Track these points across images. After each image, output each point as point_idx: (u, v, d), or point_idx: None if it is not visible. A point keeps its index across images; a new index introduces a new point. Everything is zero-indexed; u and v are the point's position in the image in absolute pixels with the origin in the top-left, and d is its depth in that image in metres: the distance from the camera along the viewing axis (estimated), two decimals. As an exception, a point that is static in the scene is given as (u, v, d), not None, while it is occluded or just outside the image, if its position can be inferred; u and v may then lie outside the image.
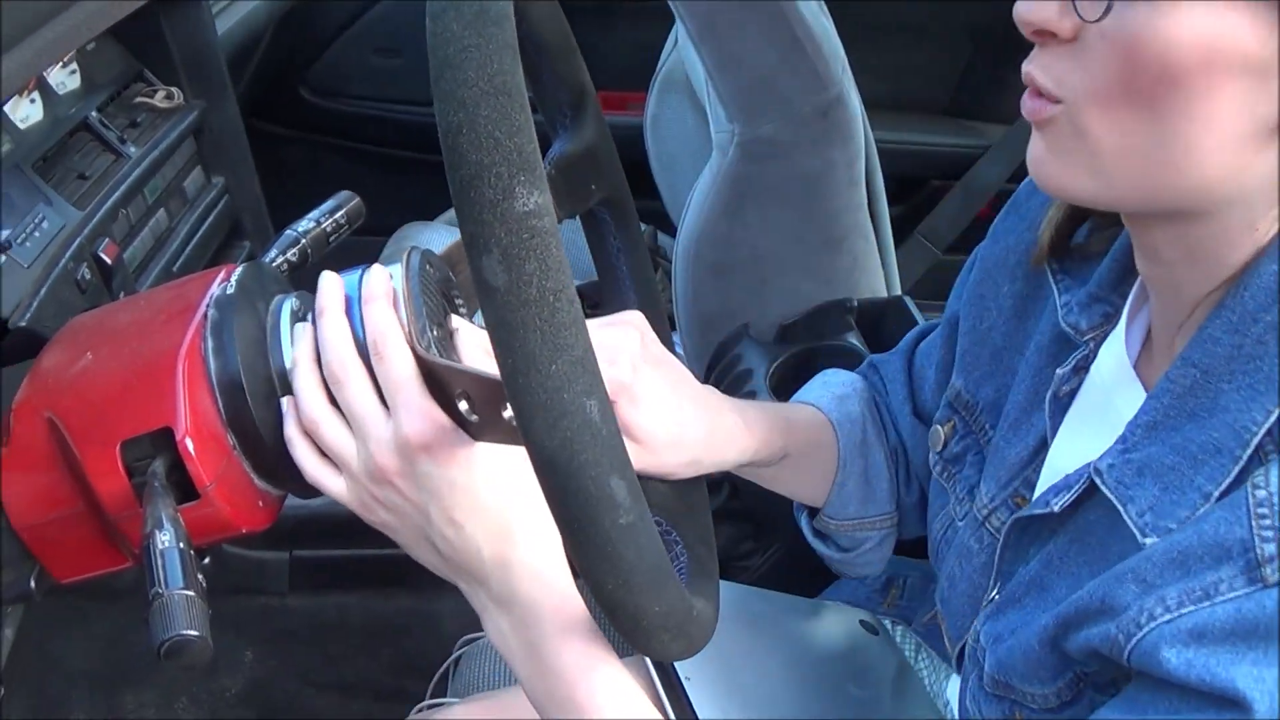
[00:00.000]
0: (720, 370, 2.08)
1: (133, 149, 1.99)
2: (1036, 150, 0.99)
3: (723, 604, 1.08)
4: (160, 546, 0.92)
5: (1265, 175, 0.91)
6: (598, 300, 1.32)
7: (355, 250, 1.46)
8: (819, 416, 1.45)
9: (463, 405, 0.95)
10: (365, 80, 3.42)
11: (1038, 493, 1.14)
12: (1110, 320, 1.14)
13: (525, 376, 0.75)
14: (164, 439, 0.99)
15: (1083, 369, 1.15)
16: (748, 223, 2.03)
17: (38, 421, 1.02)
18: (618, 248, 1.27)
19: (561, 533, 0.80)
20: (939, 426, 1.36)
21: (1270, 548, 0.84)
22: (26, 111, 1.76)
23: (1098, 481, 1.02)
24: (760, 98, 1.92)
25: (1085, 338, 1.15)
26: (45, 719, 2.10)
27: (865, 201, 2.08)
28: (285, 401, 1.03)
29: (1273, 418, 0.91)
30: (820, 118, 1.94)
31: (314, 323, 1.03)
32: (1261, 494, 0.87)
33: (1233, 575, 0.86)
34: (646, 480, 1.09)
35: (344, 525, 2.09)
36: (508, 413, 0.88)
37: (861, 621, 1.59)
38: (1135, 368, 1.10)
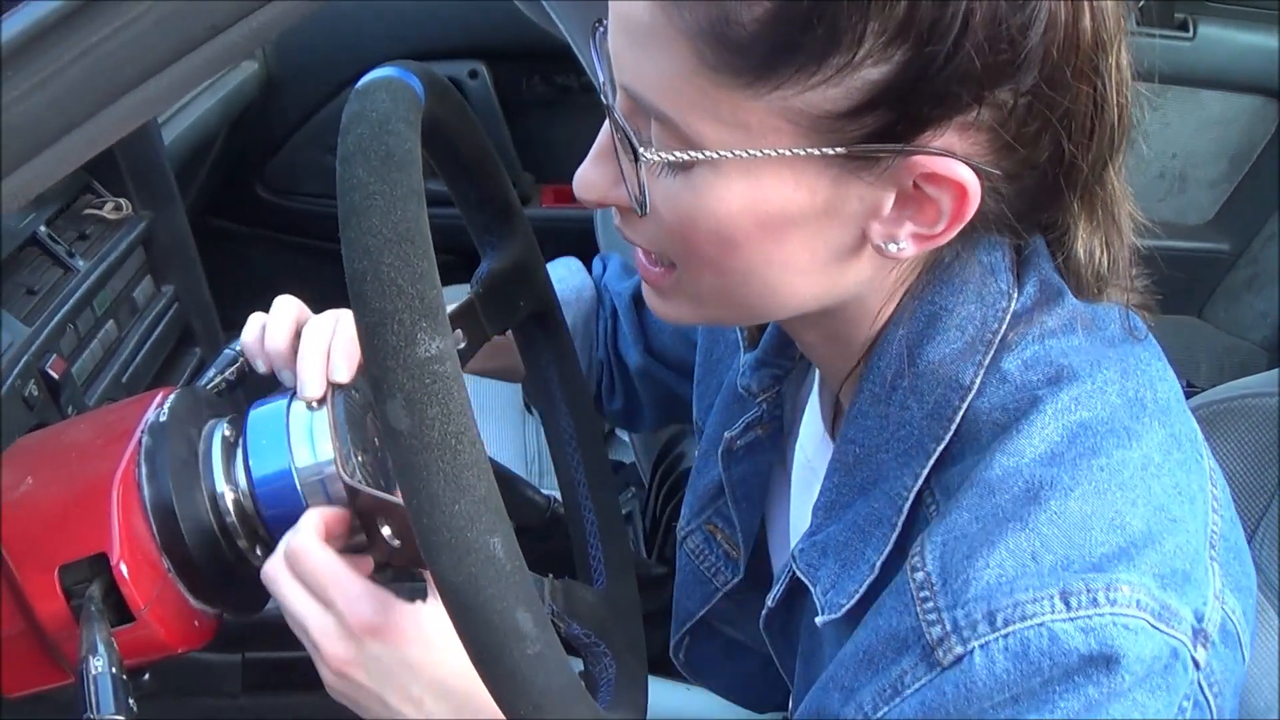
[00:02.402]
0: (667, 466, 2.09)
1: (81, 262, 2.00)
2: (646, 290, 1.02)
3: (662, 707, 1.09)
4: (93, 672, 0.94)
5: (864, 279, 0.93)
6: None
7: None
8: None
9: (386, 530, 0.97)
10: (319, 179, 3.43)
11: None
12: (780, 381, 1.19)
13: (430, 517, 0.77)
14: (100, 563, 1.01)
15: (754, 427, 1.20)
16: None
17: (-20, 543, 1.04)
18: (548, 359, 1.30)
19: (473, 662, 0.81)
20: (696, 453, 1.39)
21: (937, 630, 0.85)
22: (-26, 228, 1.78)
23: (794, 568, 1.05)
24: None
25: (758, 399, 1.19)
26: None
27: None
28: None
29: (920, 480, 0.94)
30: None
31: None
32: (920, 576, 0.88)
33: (914, 664, 0.87)
34: (576, 591, 1.11)
35: (295, 628, 2.10)
36: None
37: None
38: (834, 432, 1.12)
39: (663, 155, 0.85)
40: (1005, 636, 0.83)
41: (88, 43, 0.92)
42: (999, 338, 0.93)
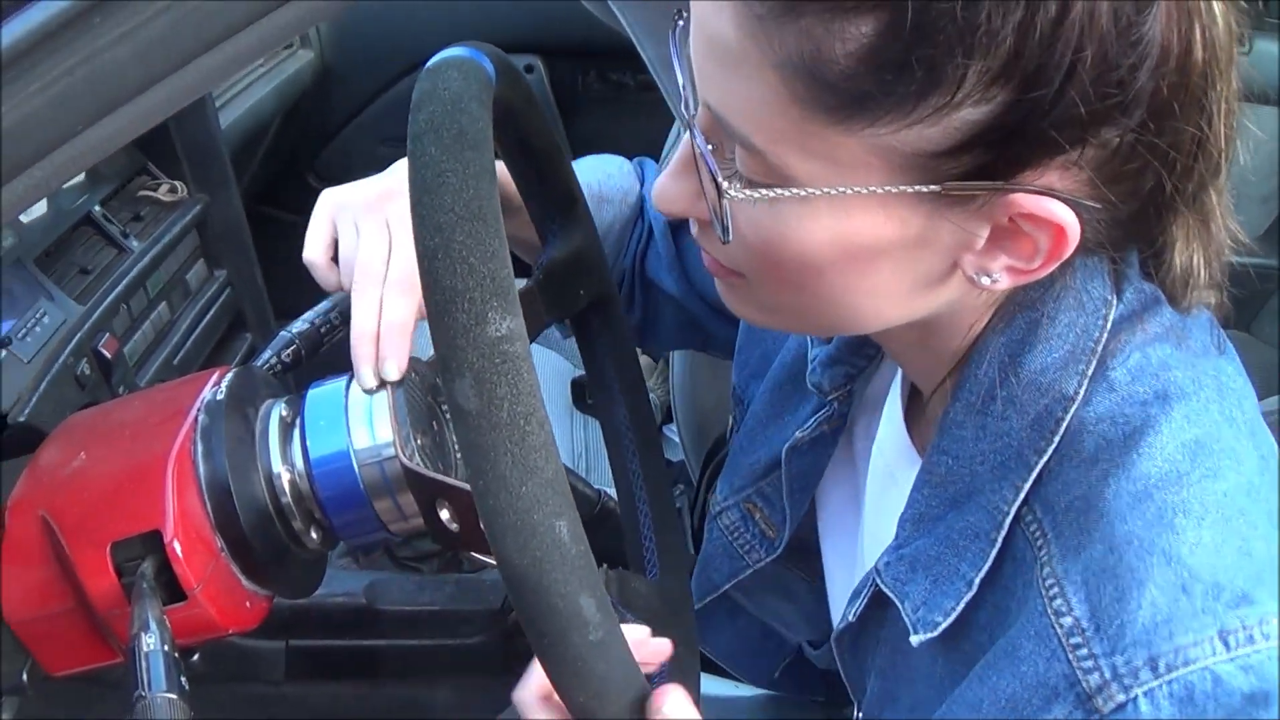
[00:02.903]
0: (716, 465, 2.08)
1: (135, 243, 2.01)
2: (721, 288, 0.99)
3: (712, 704, 1.09)
4: (145, 649, 0.93)
5: (955, 299, 0.91)
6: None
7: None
8: None
9: (444, 514, 0.96)
10: (372, 170, 3.32)
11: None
12: (852, 380, 1.16)
13: (496, 498, 0.76)
14: (153, 540, 1.00)
15: (822, 423, 1.18)
16: (746, 315, 2.02)
17: (32, 518, 1.03)
18: (605, 350, 1.29)
19: (534, 648, 0.80)
20: (730, 415, 1.39)
21: (1094, 678, 0.82)
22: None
23: (879, 582, 1.02)
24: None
25: (829, 398, 1.17)
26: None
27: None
28: None
29: (1021, 495, 0.91)
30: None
31: None
32: (1068, 621, 0.84)
33: (1069, 712, 0.83)
34: (630, 582, 1.10)
35: (339, 616, 2.10)
36: None
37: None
38: (910, 428, 1.10)
39: (747, 193, 0.83)
40: (1170, 683, 0.80)
41: (113, 35, 0.91)
42: (1101, 345, 0.91)
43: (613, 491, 1.32)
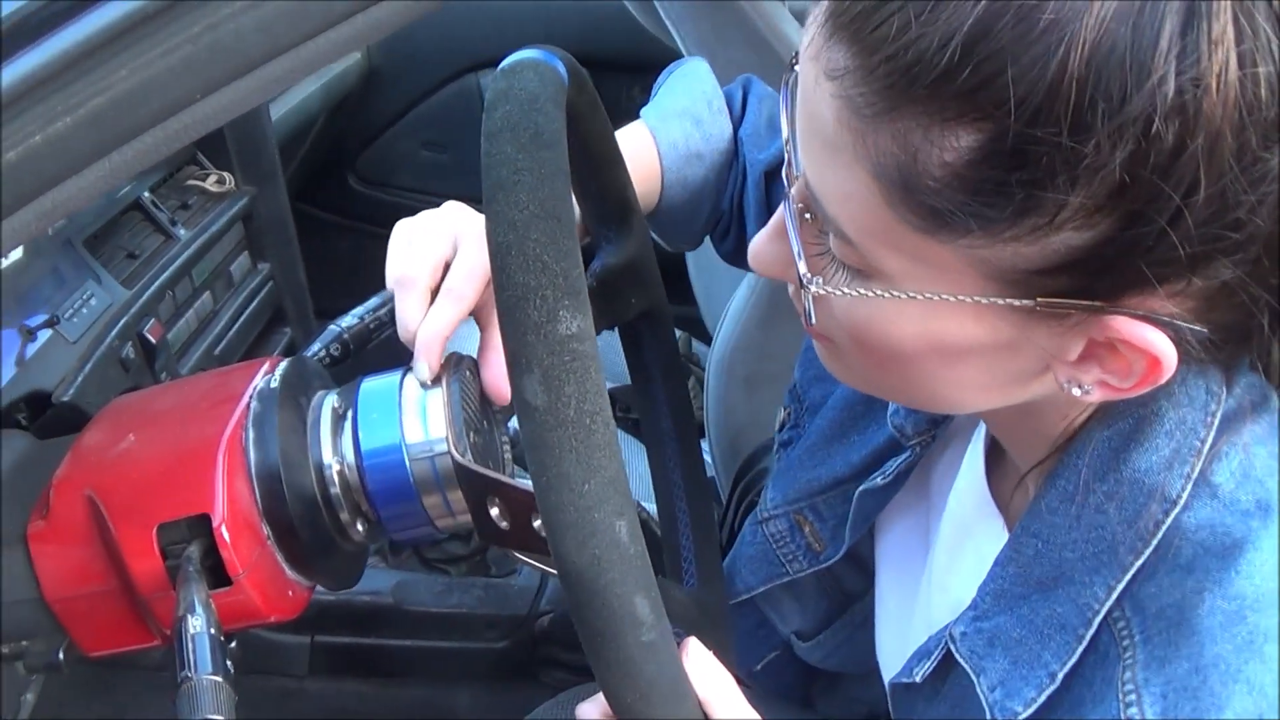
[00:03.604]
0: (747, 483, 2.08)
1: (183, 231, 2.02)
2: (815, 346, 0.98)
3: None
4: (192, 631, 0.94)
5: (1049, 393, 0.88)
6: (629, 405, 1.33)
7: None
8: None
9: (494, 511, 0.97)
10: (412, 173, 3.44)
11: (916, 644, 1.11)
12: (936, 425, 1.14)
13: (558, 494, 0.76)
14: (200, 525, 1.00)
15: (902, 465, 1.16)
16: (783, 336, 2.03)
17: (77, 498, 1.04)
18: (653, 360, 1.29)
19: (584, 646, 0.80)
20: (783, 408, 1.37)
21: None
22: (81, 188, 1.79)
23: (953, 649, 1.00)
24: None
25: (912, 443, 1.15)
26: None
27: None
28: None
29: (1114, 595, 0.89)
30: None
31: None
32: None
33: None
34: (667, 590, 1.10)
35: (365, 614, 2.10)
36: (537, 522, 0.90)
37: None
38: (990, 480, 1.08)
39: (828, 290, 0.83)
40: None
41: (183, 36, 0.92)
42: (1207, 446, 0.88)
43: (643, 503, 1.32)
